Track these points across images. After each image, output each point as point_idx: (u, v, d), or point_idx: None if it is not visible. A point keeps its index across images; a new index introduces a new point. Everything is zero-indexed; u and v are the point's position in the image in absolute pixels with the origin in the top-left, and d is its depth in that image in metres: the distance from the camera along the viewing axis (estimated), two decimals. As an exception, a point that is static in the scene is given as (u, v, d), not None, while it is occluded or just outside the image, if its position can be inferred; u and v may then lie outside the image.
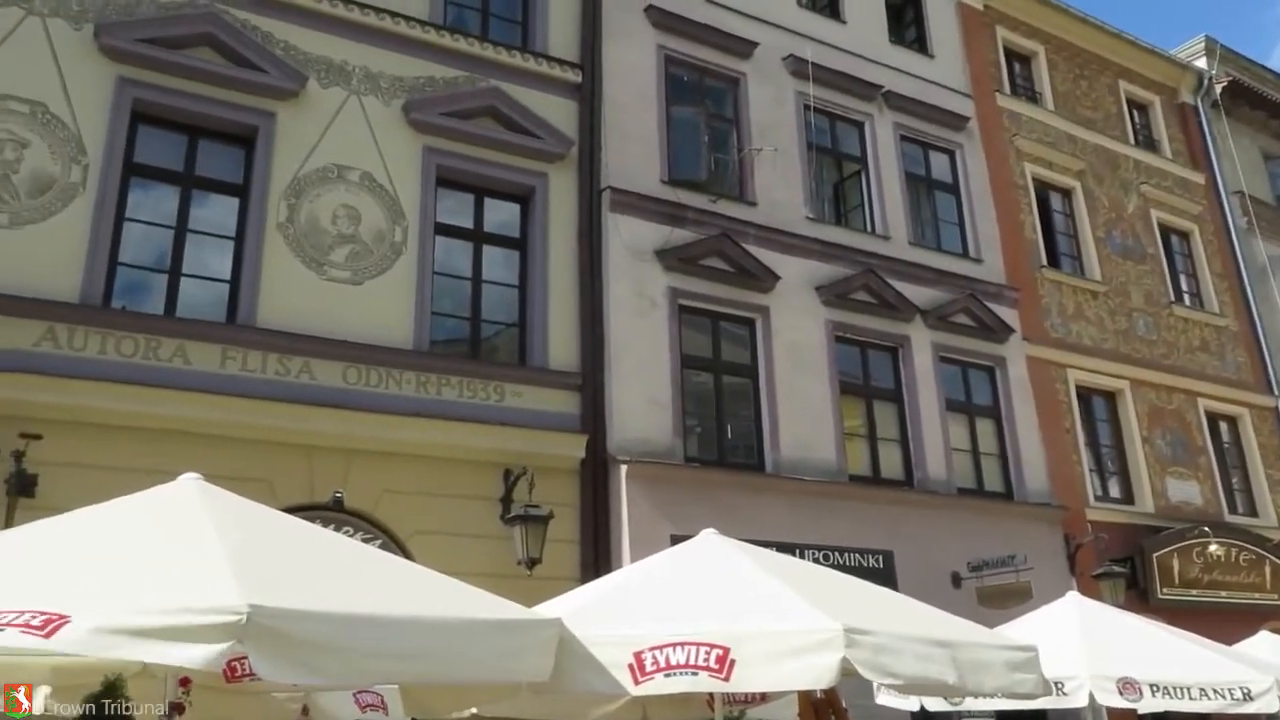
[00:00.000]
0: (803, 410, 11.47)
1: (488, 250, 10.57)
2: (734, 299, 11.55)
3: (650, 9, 12.17)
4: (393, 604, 3.87)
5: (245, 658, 3.30)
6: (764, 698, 6.43)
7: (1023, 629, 7.54)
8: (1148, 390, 15.38)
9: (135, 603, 3.23)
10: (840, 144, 13.66)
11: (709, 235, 11.46)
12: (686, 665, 4.25)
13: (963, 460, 12.82)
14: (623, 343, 10.54)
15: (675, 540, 6.94)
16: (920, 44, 15.23)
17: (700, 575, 5.24)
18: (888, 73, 14.16)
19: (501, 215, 10.76)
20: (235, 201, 9.28)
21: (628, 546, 9.59)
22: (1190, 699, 6.81)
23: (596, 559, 9.55)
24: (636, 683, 4.29)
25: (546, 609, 4.97)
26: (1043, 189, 15.87)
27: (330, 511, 8.48)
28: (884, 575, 10.80)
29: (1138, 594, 12.94)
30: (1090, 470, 14.23)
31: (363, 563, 4.52)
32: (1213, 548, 14.09)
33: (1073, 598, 8.33)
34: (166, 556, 3.73)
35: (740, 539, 5.81)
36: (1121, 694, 6.74)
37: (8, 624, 3.02)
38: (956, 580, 11.60)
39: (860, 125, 13.77)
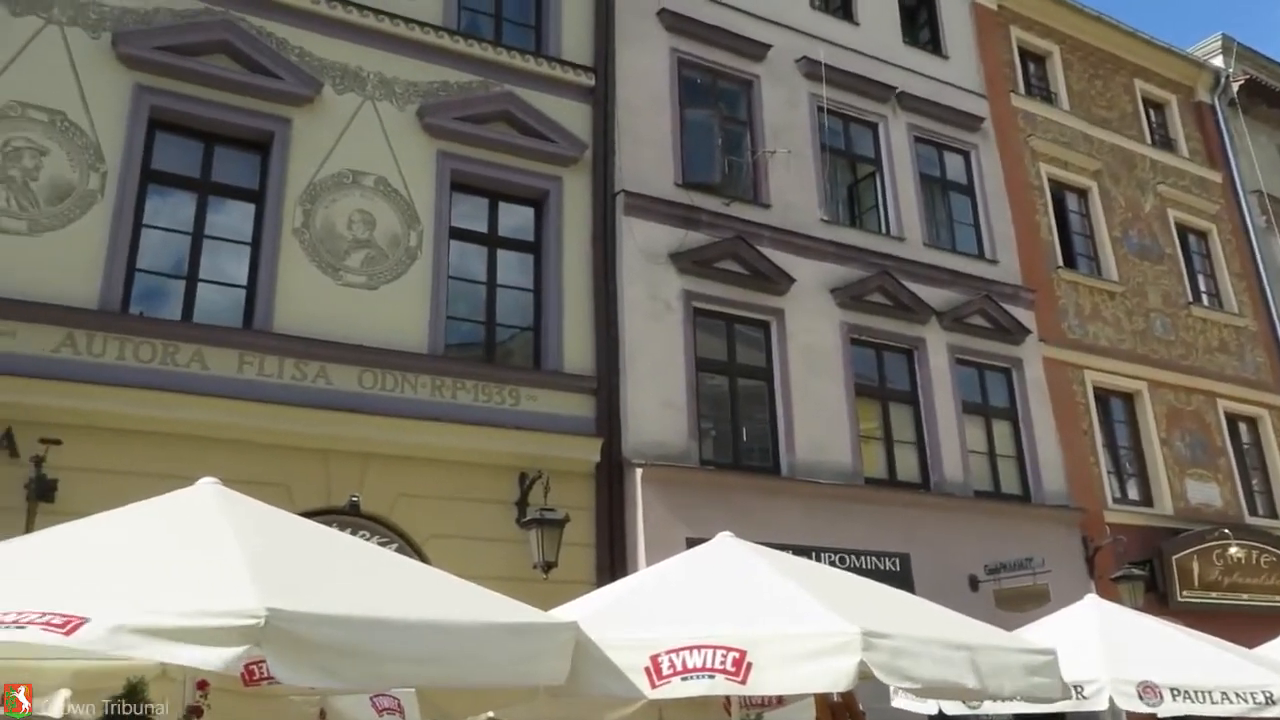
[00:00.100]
0: (818, 413, 11.44)
1: (502, 254, 10.60)
2: (748, 301, 11.54)
3: (663, 12, 12.17)
4: (409, 608, 3.87)
5: (263, 661, 3.31)
6: (781, 701, 6.39)
7: (1041, 632, 7.50)
8: (1166, 391, 15.25)
9: (154, 604, 3.25)
10: (854, 146, 13.63)
11: (723, 238, 11.45)
12: (703, 669, 4.24)
13: (979, 462, 12.75)
14: (637, 346, 10.54)
15: (690, 543, 6.95)
16: (934, 45, 15.17)
17: (716, 578, 5.24)
18: (901, 74, 14.12)
19: (516, 219, 10.79)
20: (251, 207, 9.34)
21: (643, 550, 9.58)
22: (1211, 703, 6.72)
23: (612, 562, 9.55)
24: (653, 686, 4.28)
25: (563, 612, 4.97)
26: (1058, 189, 15.77)
27: (347, 515, 8.52)
28: (901, 578, 10.75)
29: (1157, 597, 12.84)
30: (1108, 472, 14.11)
31: (379, 567, 4.52)
32: (1233, 550, 13.96)
33: (1091, 600, 8.28)
34: (185, 560, 3.76)
35: (756, 542, 5.79)
36: (1141, 698, 6.67)
37: (29, 622, 3.07)
38: (974, 583, 11.53)
39: (874, 127, 13.74)
